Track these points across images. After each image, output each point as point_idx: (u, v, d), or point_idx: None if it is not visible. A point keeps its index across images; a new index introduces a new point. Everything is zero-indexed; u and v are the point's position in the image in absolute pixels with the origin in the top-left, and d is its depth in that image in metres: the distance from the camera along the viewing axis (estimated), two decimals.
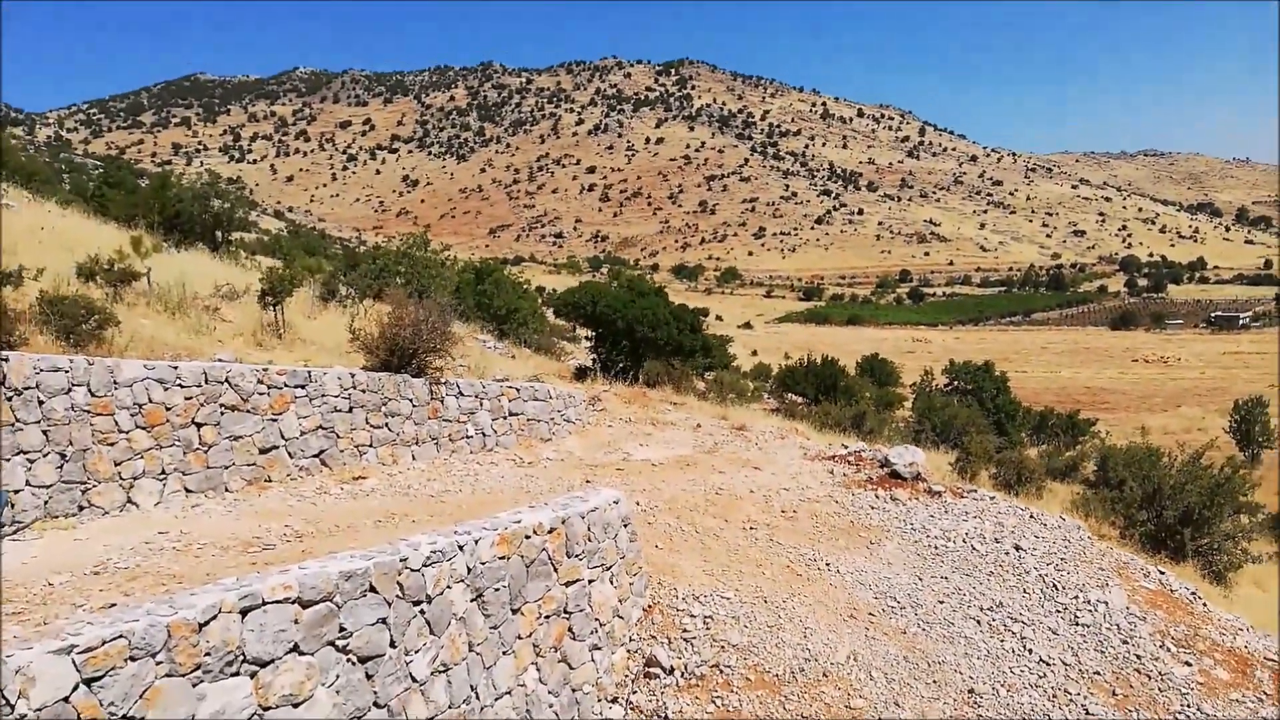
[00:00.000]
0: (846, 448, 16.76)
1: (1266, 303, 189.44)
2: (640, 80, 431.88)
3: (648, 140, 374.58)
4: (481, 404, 15.49)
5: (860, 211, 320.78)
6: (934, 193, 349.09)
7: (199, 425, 11.49)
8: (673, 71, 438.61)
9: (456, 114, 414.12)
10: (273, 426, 12.31)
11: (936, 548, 12.08)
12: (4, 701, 4.74)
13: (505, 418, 15.91)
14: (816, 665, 9.29)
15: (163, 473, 11.04)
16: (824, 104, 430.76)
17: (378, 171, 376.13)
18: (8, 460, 9.64)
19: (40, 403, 9.99)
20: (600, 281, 28.28)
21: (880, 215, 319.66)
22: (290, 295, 16.02)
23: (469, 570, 7.95)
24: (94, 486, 10.35)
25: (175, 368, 11.34)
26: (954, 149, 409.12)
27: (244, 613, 6.02)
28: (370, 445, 13.60)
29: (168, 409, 11.16)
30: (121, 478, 10.61)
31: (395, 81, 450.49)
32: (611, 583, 9.80)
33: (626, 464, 15.54)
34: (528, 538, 8.69)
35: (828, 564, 11.49)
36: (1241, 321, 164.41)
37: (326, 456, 12.97)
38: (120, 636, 5.28)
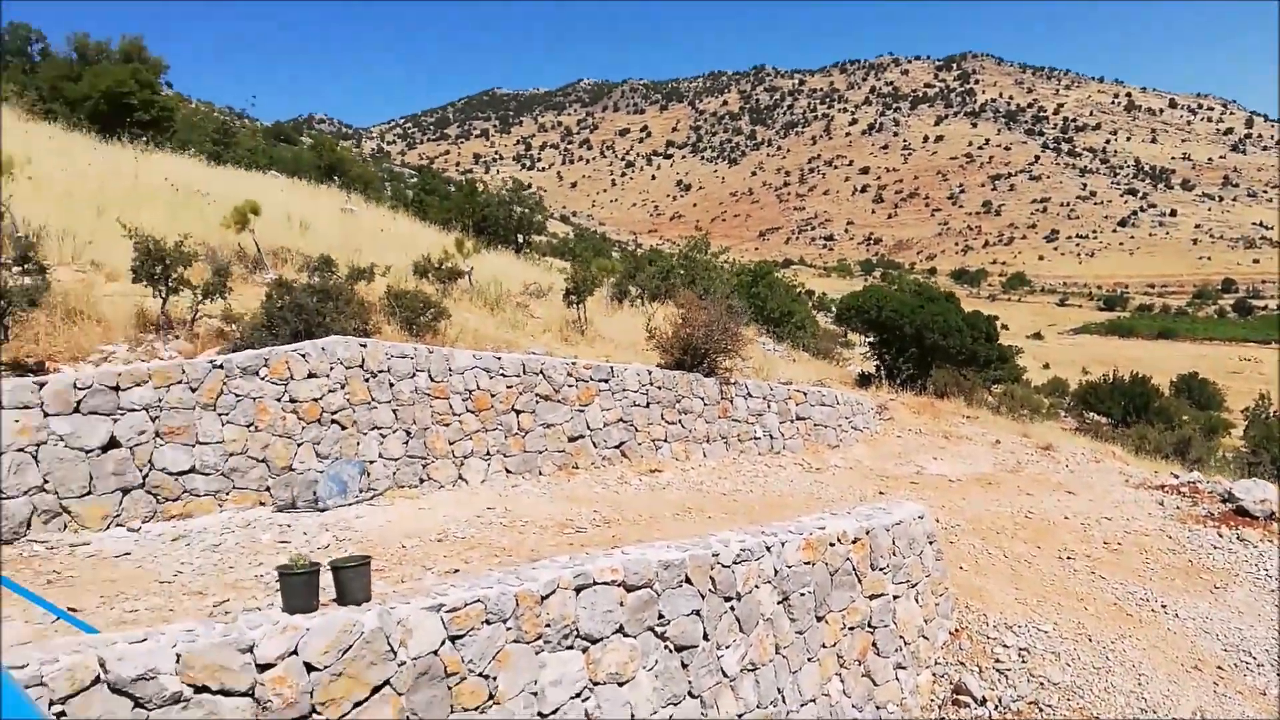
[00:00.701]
0: (1177, 477, 14.96)
1: None
2: (918, 77, 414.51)
3: (925, 139, 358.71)
4: (769, 406, 15.48)
5: (1173, 213, 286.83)
6: (1264, 191, 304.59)
7: (518, 412, 12.41)
8: (954, 66, 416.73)
9: (729, 118, 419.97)
10: (580, 417, 13.04)
11: None
12: (388, 647, 5.32)
13: (792, 421, 15.79)
14: (1154, 718, 8.31)
15: (487, 453, 12.03)
16: (1128, 94, 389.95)
17: (653, 177, 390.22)
18: (364, 434, 10.93)
19: (390, 385, 11.24)
20: (884, 286, 27.33)
21: (1197, 217, 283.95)
22: (591, 294, 16.91)
23: (775, 572, 7.92)
24: (432, 462, 11.49)
25: (499, 358, 12.33)
26: None
27: (578, 590, 6.37)
28: (665, 440, 14.02)
29: (492, 396, 12.16)
30: (454, 456, 11.70)
31: (671, 89, 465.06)
32: (916, 601, 9.37)
33: (920, 478, 14.87)
34: (832, 545, 8.52)
35: (1163, 606, 10.28)
36: None
37: (626, 448, 13.53)
38: (478, 600, 5.75)
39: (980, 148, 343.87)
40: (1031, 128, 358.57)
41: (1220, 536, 12.12)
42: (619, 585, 6.62)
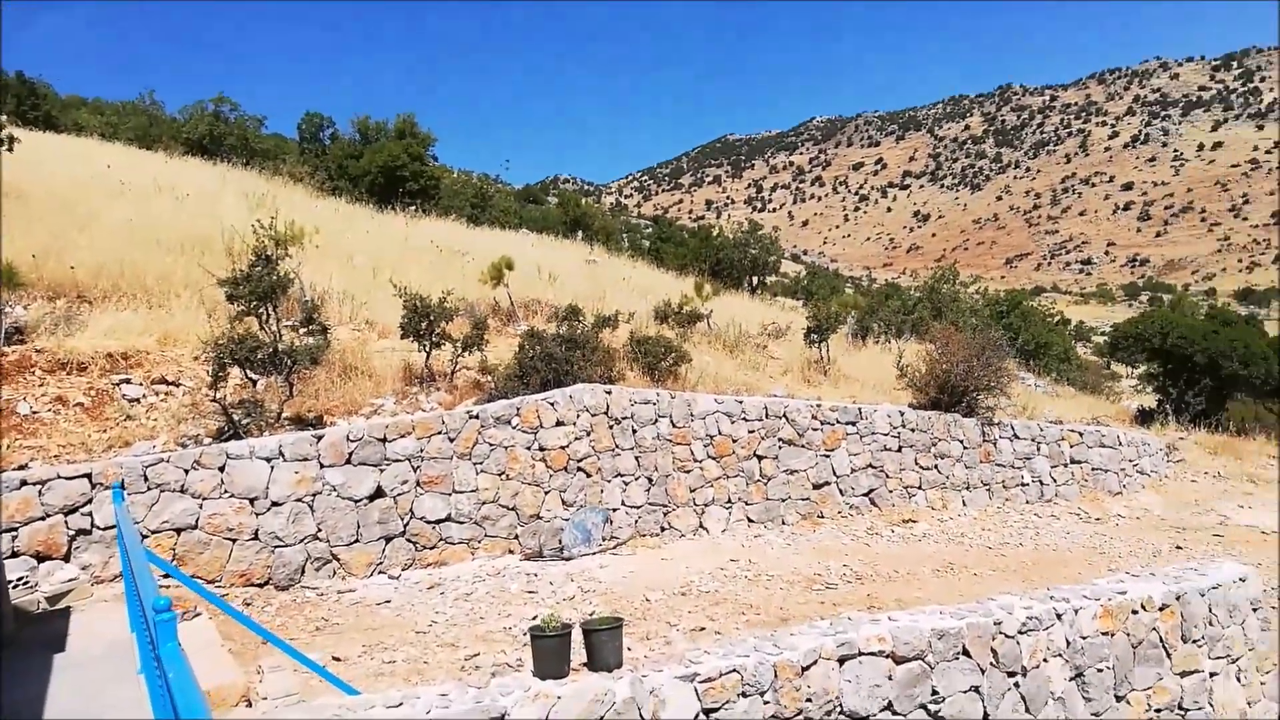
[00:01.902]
0: None
1: None
2: (1190, 79, 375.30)
3: (1200, 147, 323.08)
4: (1038, 449, 14.02)
5: None
6: None
7: (760, 458, 11.99)
8: (1233, 64, 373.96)
9: (971, 143, 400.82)
10: (825, 462, 12.41)
11: None
12: (639, 718, 5.04)
13: (1065, 465, 14.21)
14: None
15: (729, 501, 11.70)
16: None
17: (888, 209, 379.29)
18: (608, 482, 10.95)
19: (633, 431, 11.21)
20: (1169, 310, 24.40)
21: None
22: (834, 332, 16.24)
23: (1067, 644, 6.90)
24: (673, 510, 11.31)
25: (740, 402, 12.01)
26: None
27: (841, 661, 5.80)
28: (919, 487, 13.03)
29: (734, 441, 11.83)
30: (695, 504, 11.46)
31: (908, 118, 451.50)
32: (1239, 679, 7.89)
33: (1225, 529, 12.84)
34: (1134, 613, 7.33)
35: None
36: None
37: (875, 496, 12.70)
38: (734, 670, 5.34)
39: (1268, 152, 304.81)
40: None
41: None
42: (887, 656, 5.98)
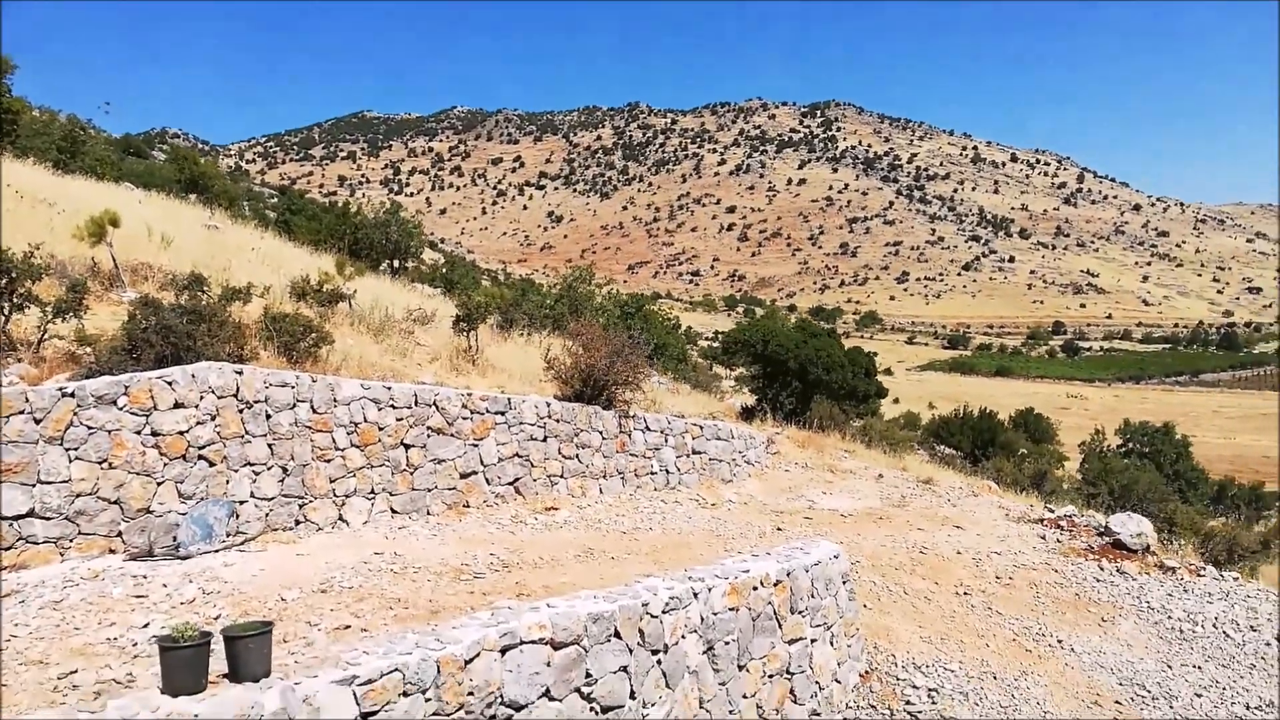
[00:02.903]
0: (1052, 510, 15.49)
1: None
2: (785, 121, 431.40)
3: (790, 181, 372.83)
4: (666, 440, 15.14)
5: (1011, 259, 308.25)
6: (1092, 242, 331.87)
7: (407, 446, 11.56)
8: (818, 113, 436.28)
9: (603, 153, 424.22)
10: (473, 452, 12.30)
11: (1182, 631, 10.81)
12: None
13: (688, 456, 15.49)
14: None
15: (372, 492, 11.12)
16: (975, 148, 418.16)
17: (525, 207, 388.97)
18: (235, 471, 9.88)
19: (268, 416, 10.23)
20: (769, 320, 27.66)
21: (1033, 264, 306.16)
22: (483, 322, 16.19)
23: (701, 620, 7.49)
24: (310, 502, 10.50)
25: (389, 388, 11.48)
26: (1115, 197, 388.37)
27: (503, 651, 5.74)
28: (561, 476, 13.42)
29: (380, 429, 11.28)
30: (335, 495, 10.74)
31: (546, 121, 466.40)
32: (831, 644, 9.13)
33: (814, 512, 14.82)
34: (755, 589, 8.16)
35: (1059, 640, 10.42)
36: None
37: (520, 485, 12.85)
38: (395, 670, 5.05)
39: (840, 192, 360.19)
40: (887, 175, 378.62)
41: (1102, 570, 12.52)
42: (546, 644, 6.02)
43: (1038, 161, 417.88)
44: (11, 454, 8.04)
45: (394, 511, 11.31)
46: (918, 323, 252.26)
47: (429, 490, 11.74)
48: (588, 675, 6.32)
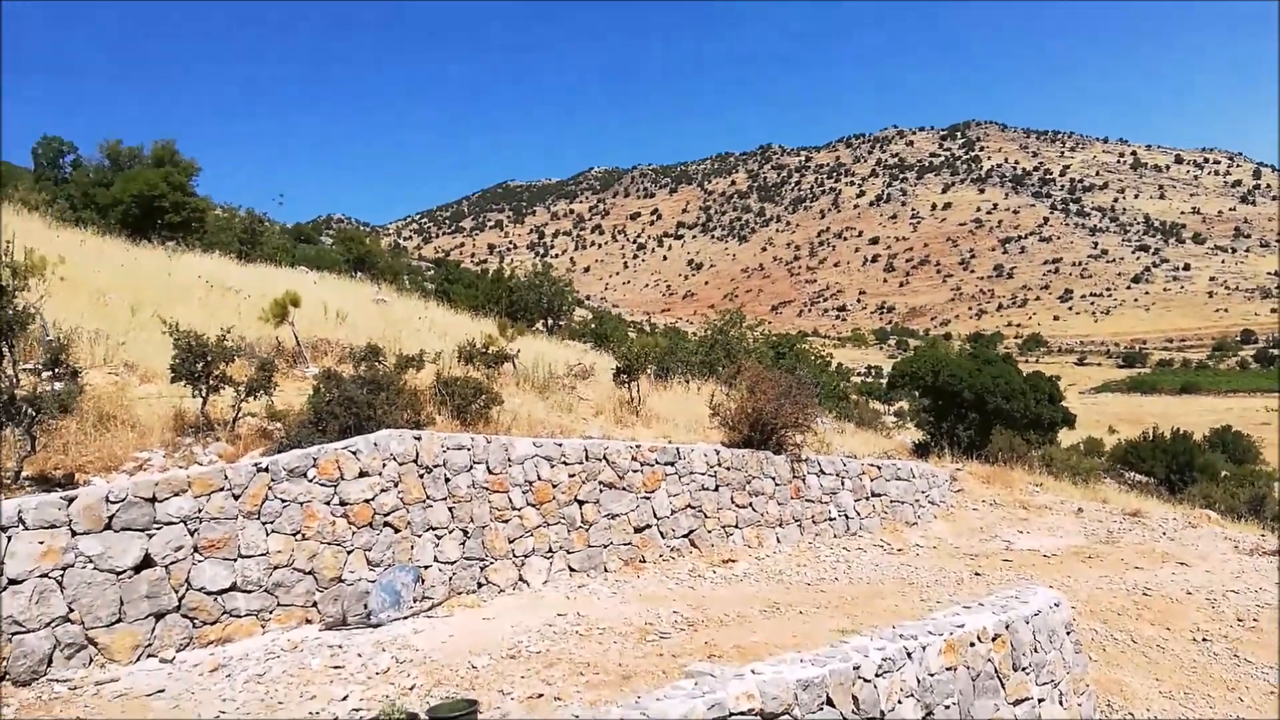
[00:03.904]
0: None
1: None
2: (923, 147, 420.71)
3: (933, 206, 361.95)
4: (843, 483, 14.41)
5: (1186, 267, 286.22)
6: (1277, 241, 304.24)
7: (580, 503, 11.41)
8: (958, 135, 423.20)
9: (738, 197, 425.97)
10: (645, 505, 12.02)
11: None
12: None
13: (868, 498, 14.69)
14: None
15: (549, 551, 11.00)
16: (1134, 153, 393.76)
17: (664, 257, 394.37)
18: (419, 536, 9.95)
19: (446, 480, 10.29)
20: (938, 349, 26.36)
21: (1212, 269, 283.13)
22: (643, 372, 16.04)
23: (918, 682, 6.80)
24: (491, 564, 10.46)
25: (560, 445, 11.39)
26: None
27: None
28: (736, 526, 12.94)
29: (554, 486, 11.18)
30: (515, 555, 10.67)
31: (680, 172, 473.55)
32: (1060, 703, 8.17)
33: (1012, 554, 13.67)
34: (972, 645, 7.39)
35: None
36: None
37: (695, 537, 12.45)
38: None
39: (989, 213, 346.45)
40: (1039, 190, 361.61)
41: None
42: (755, 714, 5.55)
43: (1206, 161, 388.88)
44: (213, 530, 8.33)
45: (572, 570, 11.13)
46: (1087, 342, 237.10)
47: (605, 546, 11.52)
48: None
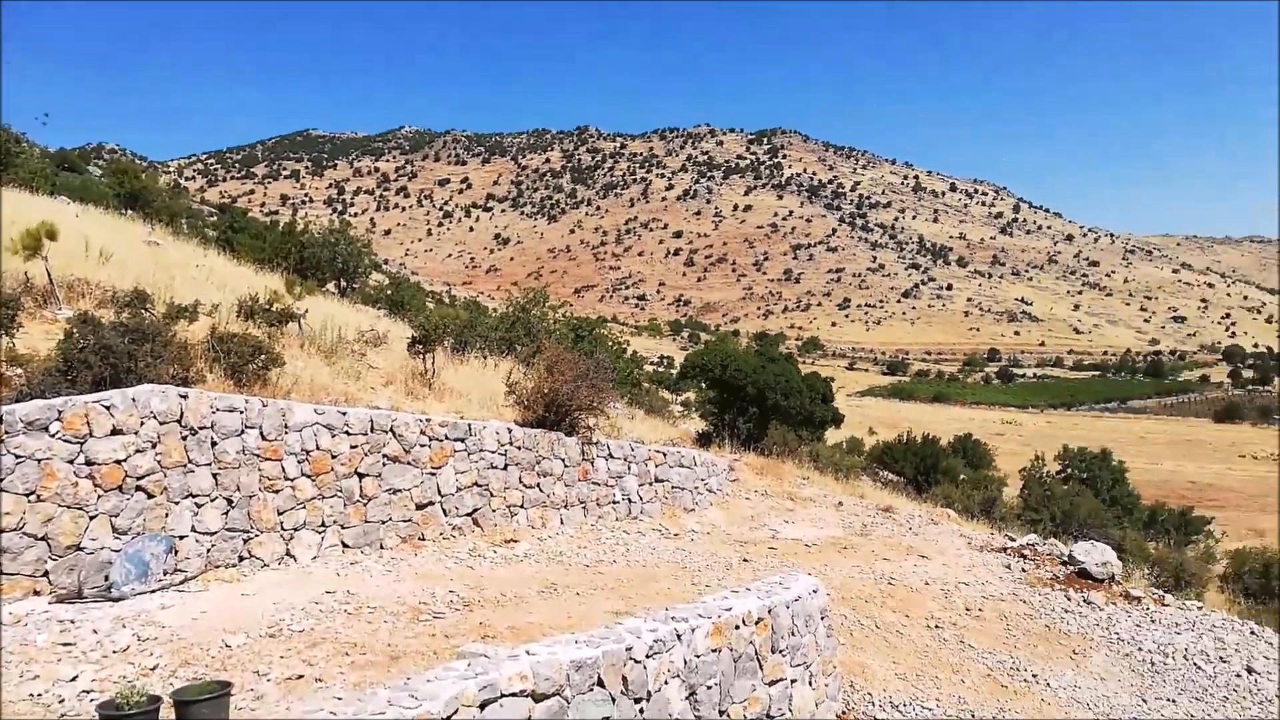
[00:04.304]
0: (1014, 539, 15.43)
1: None
2: (732, 148, 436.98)
3: (736, 207, 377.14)
4: (629, 468, 14.73)
5: (949, 287, 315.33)
6: (1026, 271, 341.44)
7: (361, 476, 10.97)
8: (765, 140, 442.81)
9: (551, 175, 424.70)
10: (431, 481, 11.74)
11: (1153, 663, 10.70)
12: None
13: (651, 484, 15.10)
14: None
15: (322, 525, 10.50)
16: (916, 177, 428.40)
17: (471, 229, 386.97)
18: (176, 504, 9.21)
19: (214, 444, 9.58)
20: (727, 344, 27.44)
21: (970, 291, 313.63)
22: (441, 344, 15.65)
23: (685, 663, 7.08)
24: (255, 536, 9.85)
25: (344, 414, 10.89)
26: (1049, 227, 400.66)
27: (483, 706, 5.26)
28: (522, 506, 12.91)
29: (333, 457, 10.68)
30: (283, 528, 10.10)
31: (494, 142, 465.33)
32: (810, 684, 8.77)
33: (777, 542, 14.52)
34: (737, 628, 7.78)
35: (1034, 675, 10.23)
36: None
37: (479, 516, 12.31)
38: None
39: (785, 218, 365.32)
40: (830, 202, 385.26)
41: (1069, 600, 12.43)
42: (528, 695, 5.56)
43: (975, 191, 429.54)
44: None
45: (345, 545, 10.69)
46: (858, 349, 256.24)
47: (384, 522, 11.15)
48: None
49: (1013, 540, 15.38)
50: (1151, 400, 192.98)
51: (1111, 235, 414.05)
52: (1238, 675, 10.47)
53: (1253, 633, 11.65)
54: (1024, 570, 13.66)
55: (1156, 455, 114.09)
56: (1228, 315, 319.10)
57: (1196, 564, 21.96)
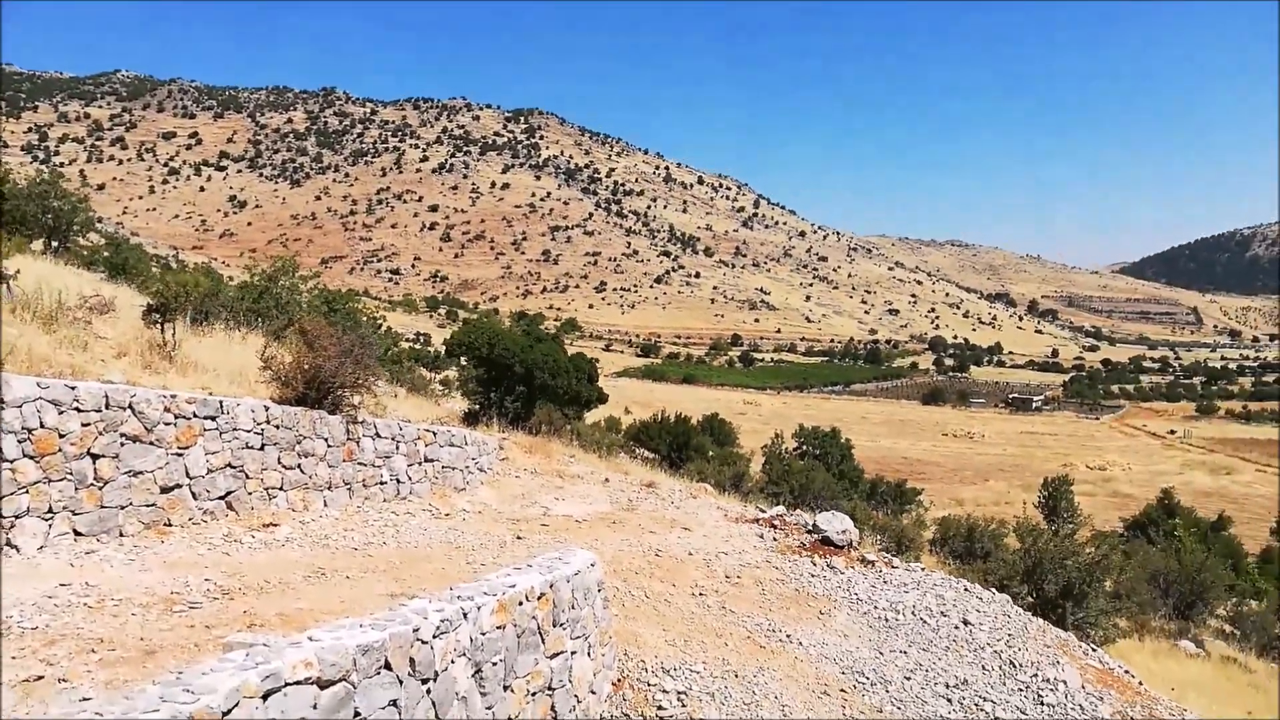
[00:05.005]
0: (764, 511, 16.61)
1: (1054, 388, 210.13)
2: (489, 125, 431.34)
3: (493, 185, 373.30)
4: (398, 447, 14.27)
5: (697, 275, 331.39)
6: (765, 263, 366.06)
7: (95, 457, 9.84)
8: (522, 119, 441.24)
9: (294, 137, 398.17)
10: (177, 462, 10.74)
11: (887, 620, 11.98)
12: None
13: (420, 464, 14.73)
14: None
15: (49, 511, 9.32)
16: (667, 168, 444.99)
17: (202, 189, 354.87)
18: None
19: None
20: (494, 322, 27.22)
21: (715, 280, 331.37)
22: (183, 314, 14.30)
23: (471, 641, 7.03)
24: None
25: (73, 388, 9.70)
26: (785, 223, 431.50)
27: (265, 696, 4.96)
28: (281, 488, 12.14)
29: (61, 436, 9.49)
30: (2, 516, 8.86)
31: (228, 97, 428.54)
32: (589, 655, 9.01)
33: (549, 519, 14.70)
34: (520, 604, 7.83)
35: (787, 635, 11.12)
36: (1035, 404, 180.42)
37: (233, 499, 11.44)
38: None
39: (542, 200, 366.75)
40: (587, 187, 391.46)
41: (815, 565, 13.59)
42: (313, 683, 5.29)
43: (721, 185, 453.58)
44: None
45: (78, 534, 9.56)
46: (614, 330, 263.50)
47: (123, 508, 10.08)
48: (356, 714, 5.65)
49: (764, 512, 16.55)
50: (871, 384, 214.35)
51: (838, 234, 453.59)
52: (956, 627, 11.96)
53: (966, 589, 13.34)
54: (775, 539, 14.76)
55: (875, 433, 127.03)
56: (933, 309, 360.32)
57: (913, 530, 24.74)
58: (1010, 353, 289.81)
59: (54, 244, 26.36)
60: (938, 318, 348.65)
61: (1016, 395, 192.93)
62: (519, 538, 13.07)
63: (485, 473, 16.46)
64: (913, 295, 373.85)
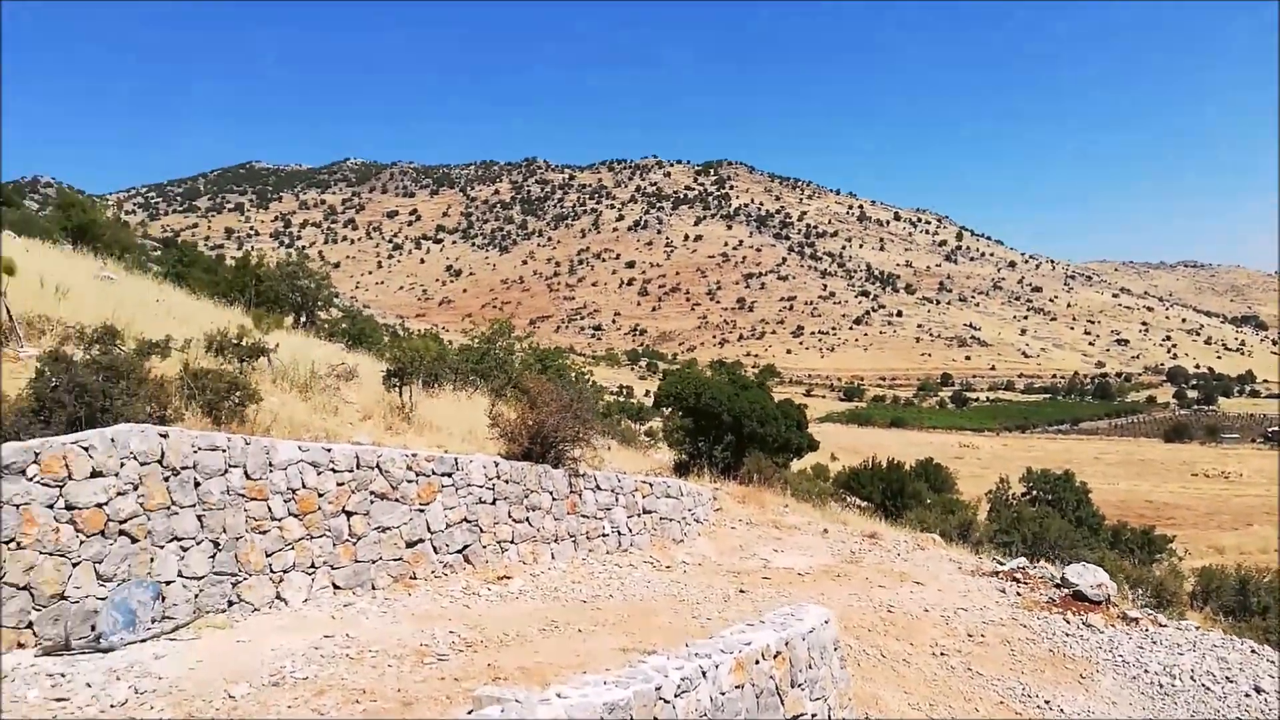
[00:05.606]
0: (1003, 563, 15.43)
1: None
2: (679, 179, 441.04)
3: (686, 237, 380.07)
4: (617, 499, 14.45)
5: (899, 313, 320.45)
6: (973, 297, 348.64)
7: (349, 514, 10.57)
8: (711, 171, 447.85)
9: (500, 207, 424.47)
10: (419, 518, 11.36)
11: (1162, 685, 10.68)
12: None
13: (639, 515, 14.83)
14: None
15: (312, 566, 10.07)
16: (860, 206, 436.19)
17: (422, 260, 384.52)
18: (161, 547, 8.75)
19: (196, 484, 9.15)
20: (700, 371, 27.36)
21: (919, 318, 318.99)
22: (417, 376, 15.28)
23: (711, 701, 6.83)
24: (245, 580, 9.40)
25: (328, 450, 10.50)
26: (992, 254, 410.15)
27: None
28: (512, 541, 12.56)
29: (320, 495, 10.27)
30: (272, 570, 9.67)
31: (442, 174, 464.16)
32: (830, 717, 8.56)
33: (770, 572, 14.32)
34: (757, 663, 7.56)
35: (1045, 701, 10.14)
36: None
37: (469, 553, 11.94)
38: None
39: (735, 248, 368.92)
40: (779, 232, 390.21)
41: (1068, 623, 12.39)
42: None
43: (919, 220, 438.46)
44: None
45: (336, 587, 10.26)
46: (814, 375, 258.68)
47: (374, 562, 10.74)
48: None
49: (1002, 564, 15.37)
50: (1102, 421, 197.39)
51: (1052, 261, 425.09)
52: (1246, 695, 10.49)
53: (1254, 651, 11.72)
54: (1018, 594, 13.63)
55: (1111, 475, 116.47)
56: (1169, 337, 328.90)
57: (1171, 582, 22.18)
58: (1265, 381, 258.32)
59: (302, 318, 29.20)
60: (1174, 346, 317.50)
61: (1277, 429, 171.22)
62: (742, 591, 12.79)
63: (701, 524, 16.34)
64: (1144, 323, 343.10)
